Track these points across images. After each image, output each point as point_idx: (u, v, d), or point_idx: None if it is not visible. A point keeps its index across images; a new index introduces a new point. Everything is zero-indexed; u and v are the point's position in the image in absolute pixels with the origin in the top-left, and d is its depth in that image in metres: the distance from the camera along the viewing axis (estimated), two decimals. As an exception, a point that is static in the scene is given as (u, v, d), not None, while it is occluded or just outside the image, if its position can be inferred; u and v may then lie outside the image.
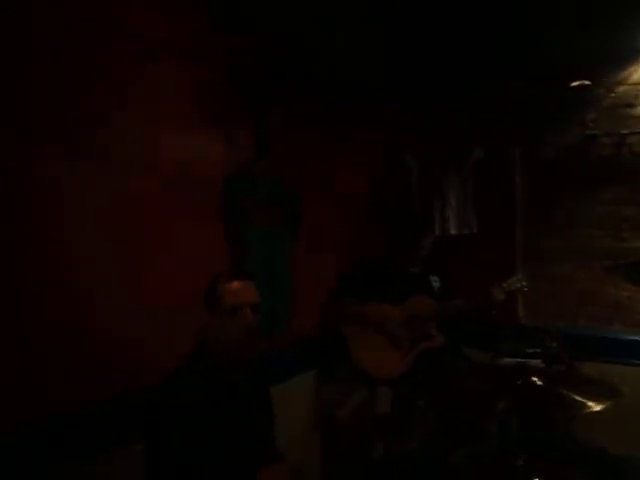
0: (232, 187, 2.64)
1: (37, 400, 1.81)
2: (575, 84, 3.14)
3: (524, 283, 2.96)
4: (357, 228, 3.50)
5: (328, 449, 3.05)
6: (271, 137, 2.80)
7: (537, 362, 2.47)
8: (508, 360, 2.64)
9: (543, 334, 2.66)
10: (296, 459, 2.23)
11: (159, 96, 2.28)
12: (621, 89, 3.22)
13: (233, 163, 2.65)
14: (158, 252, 2.25)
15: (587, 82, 3.13)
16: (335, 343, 3.01)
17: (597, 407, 1.56)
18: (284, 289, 2.88)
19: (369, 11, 2.78)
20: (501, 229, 3.55)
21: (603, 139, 3.22)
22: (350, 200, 3.46)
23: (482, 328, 3.22)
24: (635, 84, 3.19)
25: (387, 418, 2.31)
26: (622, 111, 3.20)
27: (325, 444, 3.07)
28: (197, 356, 1.73)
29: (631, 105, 3.19)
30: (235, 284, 1.73)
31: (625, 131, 3.15)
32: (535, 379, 1.71)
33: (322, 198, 3.21)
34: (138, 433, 1.65)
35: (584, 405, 1.58)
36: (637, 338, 3.07)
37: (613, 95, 3.23)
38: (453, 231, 3.62)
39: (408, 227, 3.10)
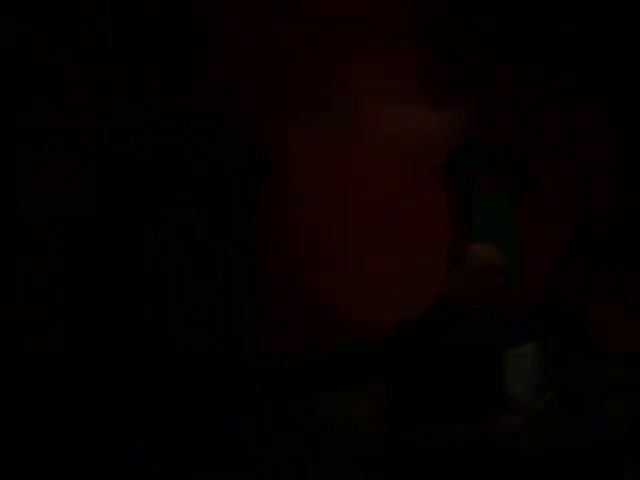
0: (455, 157, 2.75)
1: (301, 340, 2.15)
2: None
3: None
4: (593, 196, 3.34)
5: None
6: (497, 108, 2.84)
7: None
8: None
9: None
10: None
11: (398, 78, 2.50)
12: None
13: (456, 134, 2.76)
14: (397, 219, 2.48)
15: None
16: (563, 312, 2.94)
17: None
18: (509, 255, 2.90)
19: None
20: None
21: None
22: (589, 169, 3.30)
23: None
24: None
25: None
26: None
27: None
28: (435, 307, 1.89)
29: None
30: (481, 246, 1.86)
31: None
32: None
33: (556, 167, 3.13)
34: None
35: None
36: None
37: None
38: None
39: None
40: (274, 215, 2.33)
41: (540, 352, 3.08)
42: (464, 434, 1.70)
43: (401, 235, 2.50)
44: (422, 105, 2.65)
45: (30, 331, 1.78)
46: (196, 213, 2.16)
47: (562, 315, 2.97)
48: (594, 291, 2.84)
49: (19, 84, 1.91)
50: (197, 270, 2.17)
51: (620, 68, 3.38)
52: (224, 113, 2.21)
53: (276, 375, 2.18)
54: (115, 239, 2.04)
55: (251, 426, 2.07)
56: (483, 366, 1.88)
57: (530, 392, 2.49)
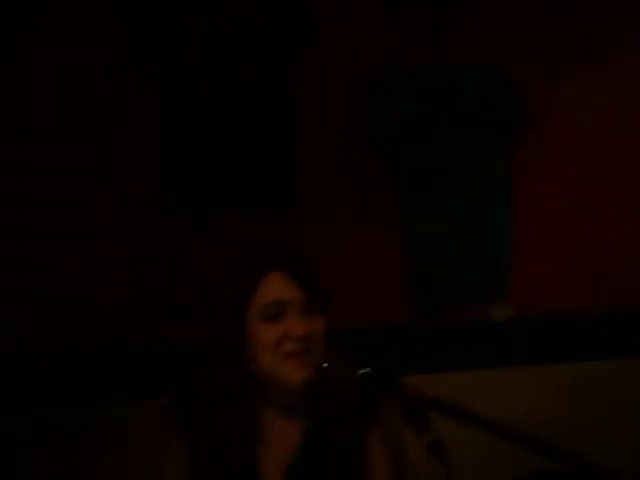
0: None
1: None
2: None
3: None
4: None
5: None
6: None
7: None
8: None
9: None
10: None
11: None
12: None
13: None
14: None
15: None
16: None
17: None
18: None
19: None
20: None
21: None
22: None
23: None
24: None
25: None
26: None
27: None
28: None
29: None
30: None
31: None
32: None
33: None
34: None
35: None
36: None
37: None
38: None
39: None
40: (534, 169, 2.23)
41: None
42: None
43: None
44: None
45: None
46: (455, 165, 2.16)
47: None
48: None
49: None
50: (454, 220, 2.18)
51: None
52: (492, 63, 2.18)
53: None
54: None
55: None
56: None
57: None
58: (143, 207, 2.01)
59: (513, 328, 2.22)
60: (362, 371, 0.99)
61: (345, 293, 1.95)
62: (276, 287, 1.00)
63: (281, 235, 1.95)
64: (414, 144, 2.15)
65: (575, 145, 2.31)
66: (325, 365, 1.02)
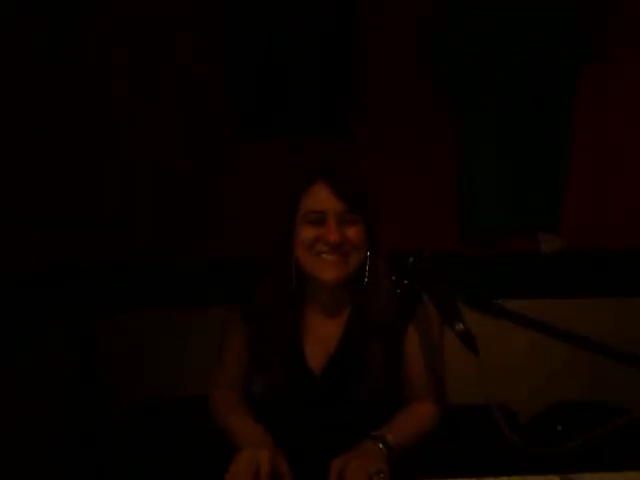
0: None
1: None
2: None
3: None
4: None
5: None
6: None
7: None
8: None
9: None
10: None
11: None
12: None
13: None
14: None
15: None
16: None
17: None
18: None
19: None
20: None
21: None
22: None
23: None
24: None
25: None
26: None
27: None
28: None
29: None
30: None
31: None
32: None
33: None
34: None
35: None
36: None
37: None
38: None
39: None
40: (595, 105, 2.22)
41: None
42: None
43: None
44: None
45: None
46: (516, 95, 2.16)
47: None
48: None
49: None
50: (512, 157, 2.18)
51: None
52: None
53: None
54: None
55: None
56: None
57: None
58: (212, 130, 2.15)
59: (561, 261, 2.25)
60: (406, 260, 1.09)
61: (397, 217, 2.04)
62: (318, 196, 1.14)
63: (338, 156, 2.04)
64: (477, 68, 2.13)
65: (638, 83, 2.24)
66: (368, 254, 1.15)
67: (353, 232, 1.13)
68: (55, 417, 1.95)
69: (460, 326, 1.00)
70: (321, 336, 1.21)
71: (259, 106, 2.14)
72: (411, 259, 1.09)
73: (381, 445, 1.08)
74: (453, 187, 2.24)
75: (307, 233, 1.14)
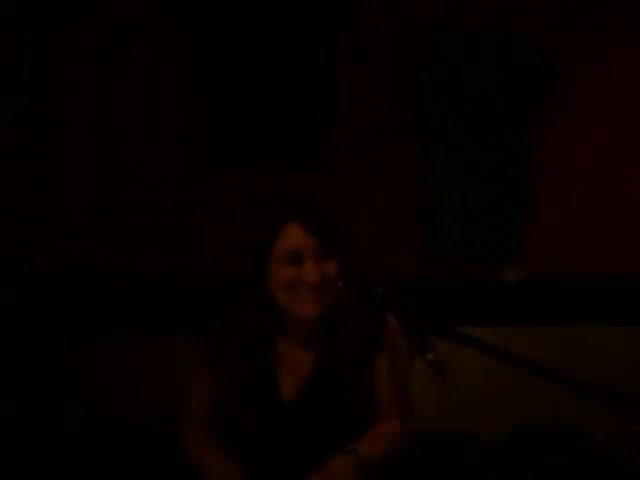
0: None
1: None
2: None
3: None
4: None
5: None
6: None
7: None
8: None
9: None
10: None
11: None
12: None
13: None
14: None
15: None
16: None
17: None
18: None
19: None
20: None
21: None
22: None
23: None
24: None
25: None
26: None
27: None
28: None
29: None
30: None
31: None
32: None
33: None
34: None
35: None
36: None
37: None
38: None
39: None
40: (552, 136, 2.31)
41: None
42: None
43: None
44: None
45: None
46: (478, 126, 2.27)
47: None
48: None
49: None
50: (473, 180, 2.27)
51: None
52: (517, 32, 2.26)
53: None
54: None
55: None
56: None
57: None
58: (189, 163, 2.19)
59: (523, 289, 2.33)
60: (375, 290, 1.11)
61: (363, 244, 2.08)
62: (293, 236, 1.15)
63: (305, 184, 2.08)
64: (444, 99, 2.24)
65: (592, 117, 2.36)
66: (340, 284, 1.17)
67: (330, 268, 1.15)
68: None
69: (431, 356, 1.02)
70: (295, 368, 1.21)
71: (227, 135, 2.18)
72: (379, 289, 1.12)
73: (351, 458, 1.09)
74: (418, 216, 2.30)
75: (287, 273, 1.14)
